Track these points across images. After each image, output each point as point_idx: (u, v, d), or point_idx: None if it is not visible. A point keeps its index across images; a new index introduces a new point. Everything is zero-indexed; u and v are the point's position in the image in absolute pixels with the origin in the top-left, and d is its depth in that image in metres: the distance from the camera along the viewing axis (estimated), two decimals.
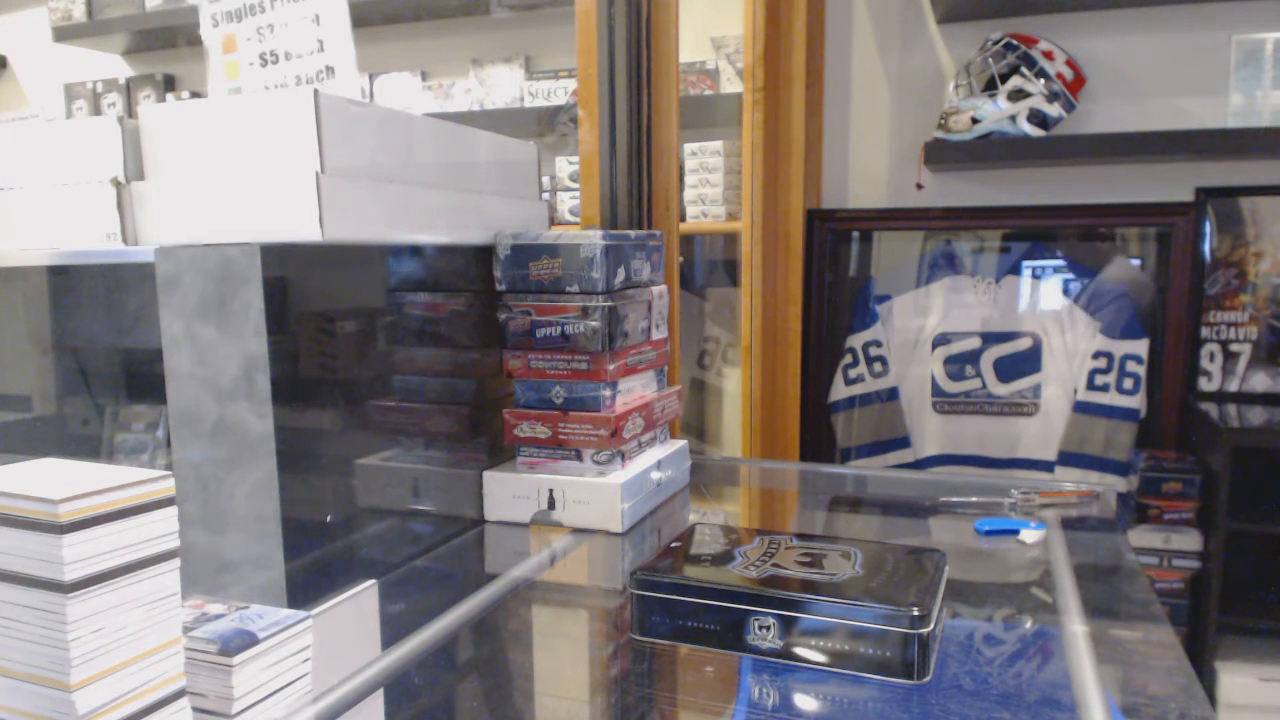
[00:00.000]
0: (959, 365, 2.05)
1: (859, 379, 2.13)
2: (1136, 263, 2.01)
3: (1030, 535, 1.01)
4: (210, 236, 0.81)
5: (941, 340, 2.07)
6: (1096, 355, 1.95)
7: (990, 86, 1.90)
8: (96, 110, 3.03)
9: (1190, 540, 1.82)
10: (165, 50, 3.04)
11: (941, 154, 1.93)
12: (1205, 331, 1.94)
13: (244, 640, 0.56)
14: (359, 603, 0.71)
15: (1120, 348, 1.93)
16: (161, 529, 0.52)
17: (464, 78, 2.68)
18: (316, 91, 0.81)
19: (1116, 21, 1.96)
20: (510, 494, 1.08)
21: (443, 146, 1.02)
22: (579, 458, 1.07)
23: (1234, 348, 1.94)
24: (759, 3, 1.91)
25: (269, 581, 0.77)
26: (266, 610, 0.60)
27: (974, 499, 1.17)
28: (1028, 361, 2.01)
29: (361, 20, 2.50)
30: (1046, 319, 2.00)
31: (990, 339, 2.03)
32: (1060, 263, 2.02)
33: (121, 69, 3.12)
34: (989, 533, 1.03)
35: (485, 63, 2.65)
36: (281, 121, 0.82)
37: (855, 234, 2.20)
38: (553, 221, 2.35)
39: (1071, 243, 2.03)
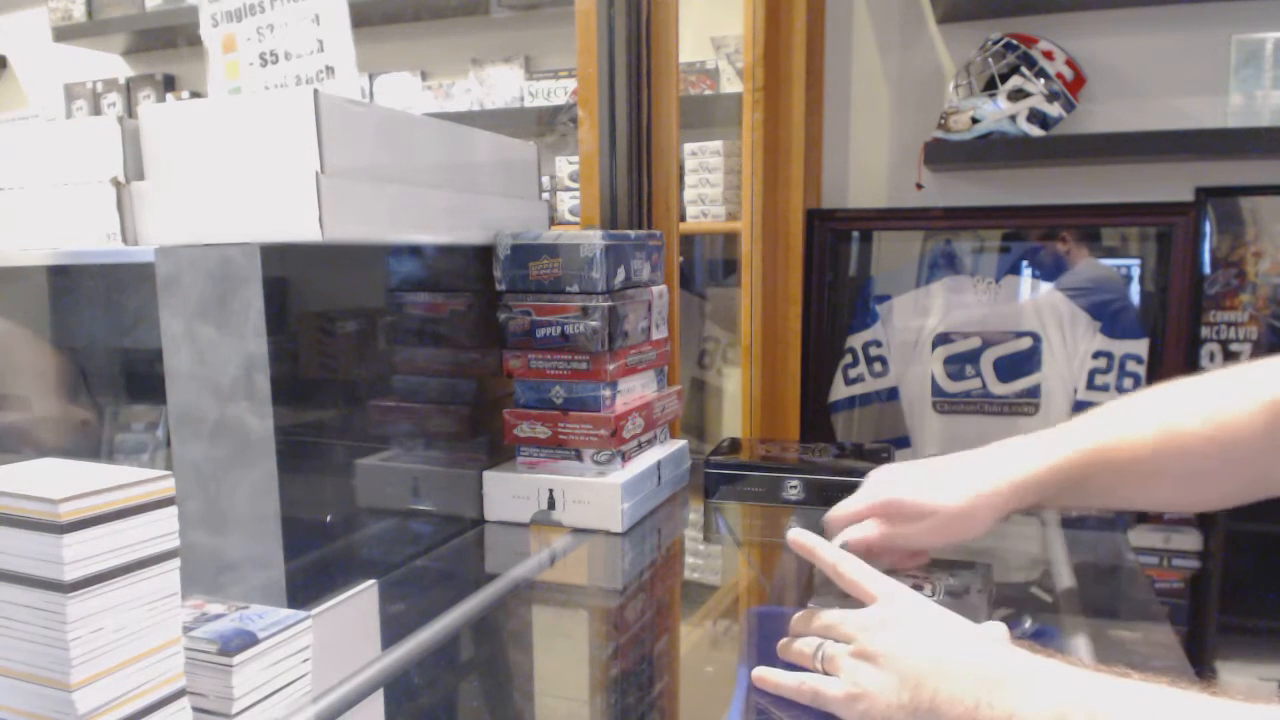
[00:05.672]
0: (959, 365, 2.05)
1: (859, 379, 2.13)
2: (1136, 262, 2.01)
3: None
4: (210, 236, 0.81)
5: (941, 340, 2.06)
6: (1096, 355, 1.94)
7: (990, 86, 1.90)
8: (96, 110, 3.03)
9: (1190, 540, 1.82)
10: (165, 50, 3.03)
11: (941, 154, 1.93)
12: (1205, 331, 1.94)
13: (244, 640, 0.55)
14: (359, 603, 0.71)
15: (1120, 347, 1.93)
16: (161, 529, 0.52)
17: (464, 78, 2.68)
18: (316, 91, 0.81)
19: (1116, 21, 1.95)
20: (510, 494, 1.08)
21: (443, 146, 1.02)
22: (579, 458, 1.07)
23: (1234, 348, 1.94)
24: (759, 3, 1.91)
25: (269, 581, 0.77)
26: (266, 610, 0.60)
27: None
28: (1028, 361, 2.00)
29: (361, 20, 2.50)
30: (1046, 319, 2.00)
31: (990, 339, 2.03)
32: (1060, 262, 2.02)
33: (121, 69, 3.12)
34: None
35: (485, 63, 2.65)
36: (281, 121, 0.82)
37: (855, 234, 2.20)
38: (553, 221, 2.35)
39: (1071, 242, 2.03)
